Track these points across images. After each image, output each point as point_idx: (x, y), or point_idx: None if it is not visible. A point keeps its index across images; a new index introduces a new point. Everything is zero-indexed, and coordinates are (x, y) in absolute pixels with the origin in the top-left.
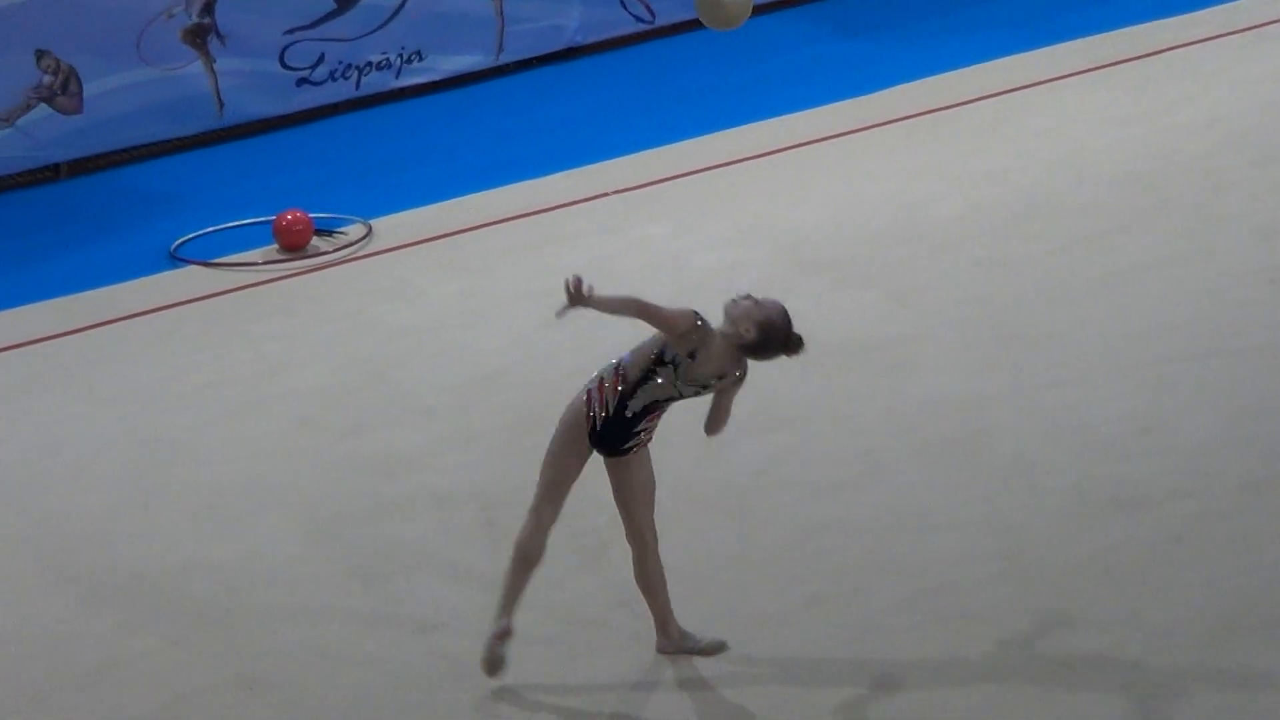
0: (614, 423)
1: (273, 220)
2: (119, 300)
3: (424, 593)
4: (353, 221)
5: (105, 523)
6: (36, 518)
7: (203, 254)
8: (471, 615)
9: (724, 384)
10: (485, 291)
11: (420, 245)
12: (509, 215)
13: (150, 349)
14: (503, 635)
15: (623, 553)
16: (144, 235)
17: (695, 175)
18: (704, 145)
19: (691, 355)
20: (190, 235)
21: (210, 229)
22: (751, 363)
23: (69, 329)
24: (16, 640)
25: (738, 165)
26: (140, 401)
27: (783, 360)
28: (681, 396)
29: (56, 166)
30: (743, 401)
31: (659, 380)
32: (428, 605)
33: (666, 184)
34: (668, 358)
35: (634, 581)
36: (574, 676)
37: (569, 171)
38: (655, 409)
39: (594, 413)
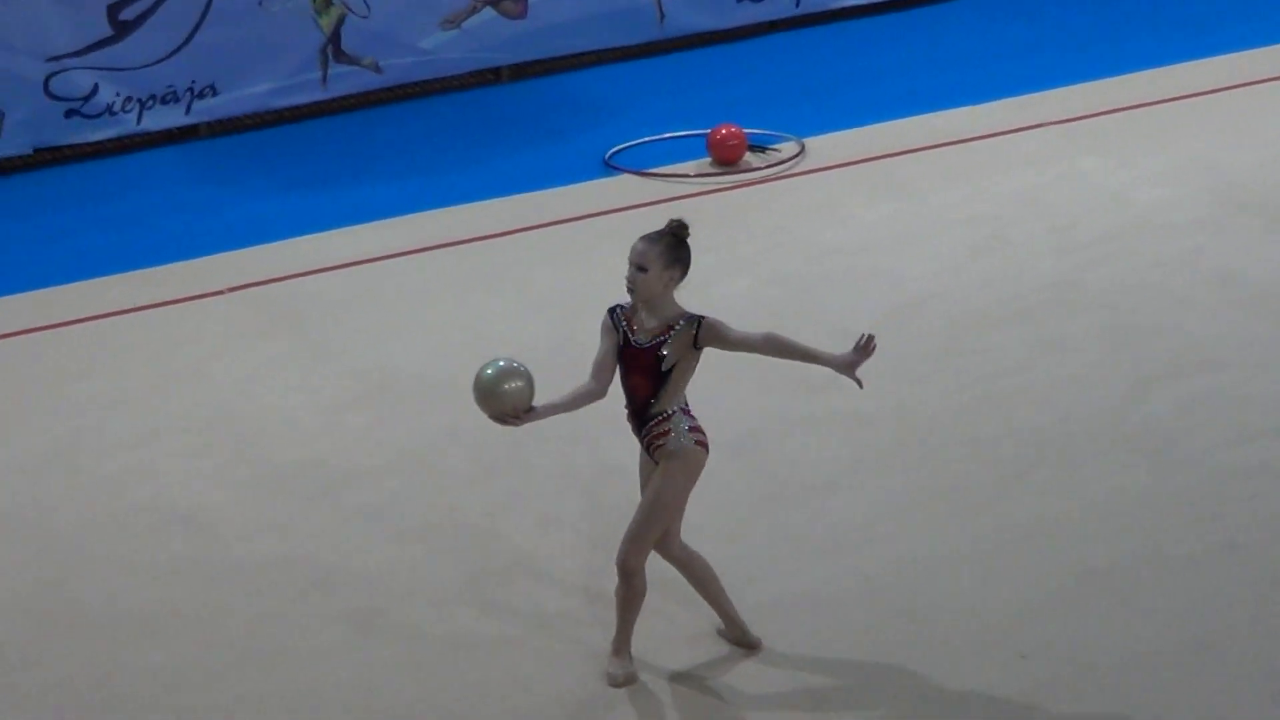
0: None
1: (707, 134)
2: (552, 205)
3: (848, 509)
4: (786, 139)
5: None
6: (466, 415)
7: (636, 163)
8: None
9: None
10: (915, 216)
11: (852, 166)
12: (943, 141)
13: (581, 254)
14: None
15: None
16: (579, 142)
17: (1135, 110)
18: (1145, 80)
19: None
20: (625, 144)
21: (645, 139)
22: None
23: (504, 230)
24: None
25: (1179, 102)
26: (568, 305)
27: (1212, 304)
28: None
29: (498, 70)
30: (1168, 344)
31: None
32: (852, 521)
33: (1105, 117)
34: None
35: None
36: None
37: (1007, 100)
38: None
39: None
